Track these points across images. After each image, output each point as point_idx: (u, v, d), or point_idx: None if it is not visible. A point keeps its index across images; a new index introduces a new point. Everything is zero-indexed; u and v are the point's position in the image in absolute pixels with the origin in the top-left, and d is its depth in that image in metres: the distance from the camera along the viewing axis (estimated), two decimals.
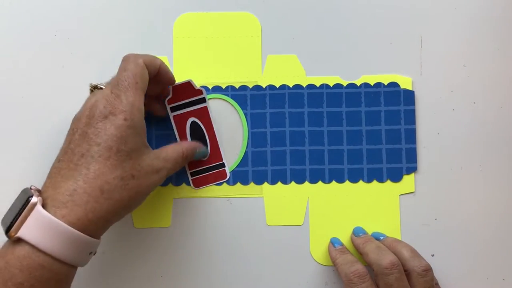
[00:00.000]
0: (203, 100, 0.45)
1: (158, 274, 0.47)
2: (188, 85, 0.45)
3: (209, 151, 0.46)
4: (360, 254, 0.45)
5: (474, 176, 0.48)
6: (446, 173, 0.48)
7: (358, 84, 0.48)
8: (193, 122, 0.45)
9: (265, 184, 0.47)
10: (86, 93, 0.48)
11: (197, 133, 0.45)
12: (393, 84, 0.48)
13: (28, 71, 0.48)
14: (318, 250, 0.47)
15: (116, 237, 0.47)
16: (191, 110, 0.45)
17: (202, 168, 0.46)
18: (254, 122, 0.48)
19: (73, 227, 0.34)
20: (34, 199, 0.34)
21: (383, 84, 0.48)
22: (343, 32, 0.48)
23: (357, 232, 0.46)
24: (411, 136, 0.47)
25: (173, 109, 0.45)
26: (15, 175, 0.47)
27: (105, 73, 0.48)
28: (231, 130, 0.48)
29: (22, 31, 0.48)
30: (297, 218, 0.47)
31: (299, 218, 0.47)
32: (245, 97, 0.48)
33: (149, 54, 0.41)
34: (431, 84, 0.48)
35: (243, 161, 0.47)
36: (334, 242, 0.46)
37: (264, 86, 0.48)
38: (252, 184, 0.47)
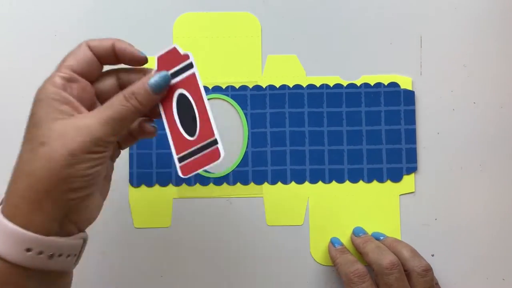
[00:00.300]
0: (190, 65, 0.36)
1: (158, 274, 0.47)
2: (174, 51, 0.37)
3: (169, 75, 0.36)
4: (360, 254, 0.45)
5: (474, 176, 0.48)
6: (446, 173, 0.48)
7: (358, 84, 0.48)
8: (181, 95, 0.36)
9: (265, 184, 0.47)
10: None
11: (185, 108, 0.37)
12: (393, 84, 0.48)
13: (28, 71, 0.48)
14: (318, 250, 0.47)
15: (116, 237, 0.47)
16: (179, 81, 0.36)
17: (192, 150, 0.36)
18: (254, 122, 0.48)
19: (2, 215, 0.31)
20: None
21: (383, 84, 0.48)
22: (343, 32, 0.48)
23: (357, 232, 0.46)
24: (411, 136, 0.47)
25: None
26: None
27: None
28: (231, 130, 0.48)
29: (22, 31, 0.48)
30: (297, 218, 0.47)
31: (299, 218, 0.47)
32: (245, 97, 0.48)
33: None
34: (431, 84, 0.48)
35: (243, 161, 0.47)
36: (334, 242, 0.46)
37: (264, 86, 0.48)
38: (252, 184, 0.47)
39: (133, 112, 0.34)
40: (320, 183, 0.47)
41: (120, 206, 0.47)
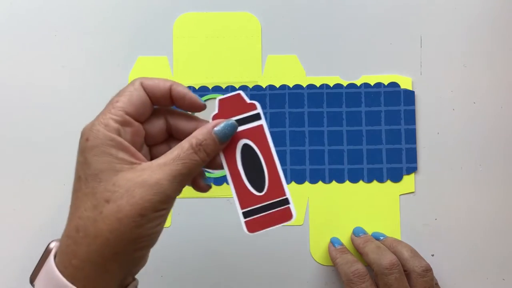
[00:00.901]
0: (258, 116, 0.34)
1: (158, 274, 0.47)
2: (238, 97, 0.34)
3: (235, 125, 0.34)
4: (360, 254, 0.45)
5: (474, 176, 0.48)
6: (446, 173, 0.48)
7: (358, 84, 0.48)
8: (245, 145, 0.34)
9: None
10: (86, 93, 0.48)
11: (250, 160, 0.34)
12: (393, 84, 0.48)
13: (28, 71, 0.48)
14: (318, 250, 0.47)
15: None
16: (243, 130, 0.34)
17: (259, 206, 0.34)
18: None
19: (64, 277, 0.29)
20: (52, 244, 0.31)
21: (383, 84, 0.48)
22: (343, 32, 0.48)
23: (357, 232, 0.46)
24: (411, 136, 0.47)
25: None
26: (14, 174, 0.47)
27: (105, 73, 0.48)
28: None
29: (22, 31, 0.48)
30: (297, 218, 0.47)
31: (299, 218, 0.47)
32: None
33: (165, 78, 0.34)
34: (431, 84, 0.48)
35: None
36: (334, 242, 0.46)
37: (264, 86, 0.48)
38: None
39: (201, 165, 0.32)
40: (320, 183, 0.47)
41: None
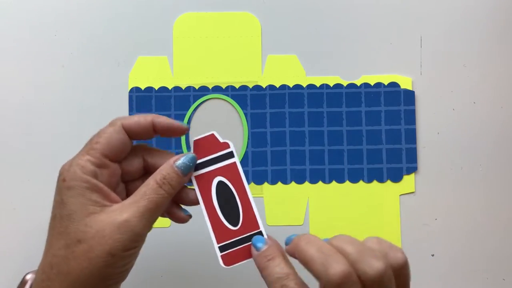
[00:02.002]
0: (231, 155, 0.37)
1: (158, 274, 0.47)
2: (211, 138, 0.37)
3: (194, 158, 0.36)
4: (301, 262, 0.31)
5: (474, 176, 0.48)
6: (446, 173, 0.48)
7: (358, 84, 0.48)
8: (220, 182, 0.37)
9: (265, 184, 0.47)
10: (86, 93, 0.48)
11: (225, 196, 0.36)
12: (393, 84, 0.48)
13: (28, 71, 0.48)
14: None
15: None
16: (217, 168, 0.36)
17: (234, 240, 0.36)
18: (254, 122, 0.47)
19: None
20: (28, 276, 0.33)
21: (383, 84, 0.48)
22: (343, 32, 0.48)
23: (288, 240, 0.33)
24: (411, 136, 0.47)
25: (196, 168, 0.37)
26: (14, 174, 0.47)
27: (105, 73, 0.48)
28: (231, 130, 0.48)
29: (22, 31, 0.48)
30: (297, 218, 0.47)
31: (299, 218, 0.47)
32: (245, 97, 0.48)
33: (142, 114, 0.35)
34: (431, 84, 0.48)
35: (243, 161, 0.47)
36: (256, 242, 0.34)
37: (264, 86, 0.48)
38: (252, 184, 0.47)
39: (167, 199, 0.33)
40: (320, 183, 0.47)
41: None
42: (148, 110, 0.47)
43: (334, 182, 0.47)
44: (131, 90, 0.47)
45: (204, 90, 0.48)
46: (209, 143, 0.37)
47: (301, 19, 0.48)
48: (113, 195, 0.33)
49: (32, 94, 0.48)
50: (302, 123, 0.48)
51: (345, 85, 0.48)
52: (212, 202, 0.36)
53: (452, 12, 0.49)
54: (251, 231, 0.35)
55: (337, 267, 0.28)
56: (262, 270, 0.32)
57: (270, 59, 0.48)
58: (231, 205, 0.36)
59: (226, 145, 0.37)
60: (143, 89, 0.47)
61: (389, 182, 0.47)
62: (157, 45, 0.48)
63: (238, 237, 0.36)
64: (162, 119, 0.34)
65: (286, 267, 0.31)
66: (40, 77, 0.48)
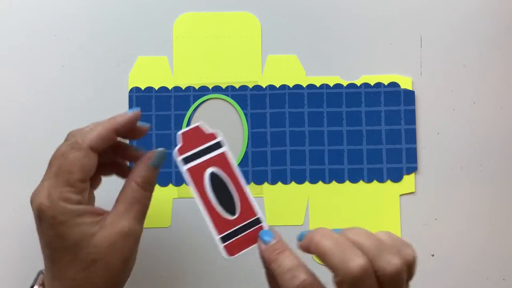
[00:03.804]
0: (219, 145, 0.36)
1: (158, 274, 0.47)
2: (197, 130, 0.36)
3: (165, 152, 0.37)
4: (318, 256, 0.32)
5: (474, 176, 0.48)
6: (446, 173, 0.48)
7: (358, 84, 0.48)
8: (212, 174, 0.36)
9: (265, 184, 0.47)
10: (86, 93, 0.48)
11: (219, 186, 0.36)
12: (393, 84, 0.48)
13: (28, 71, 0.48)
14: None
15: None
16: (207, 159, 0.36)
17: (234, 229, 0.36)
18: (254, 122, 0.47)
19: None
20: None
21: (383, 84, 0.48)
22: (343, 32, 0.48)
23: (301, 236, 0.34)
24: (411, 136, 0.47)
25: (186, 161, 0.36)
26: (14, 174, 0.47)
27: (105, 73, 0.48)
28: (231, 130, 0.48)
29: (22, 31, 0.48)
30: (297, 218, 0.47)
31: (299, 218, 0.47)
32: (245, 97, 0.48)
33: (101, 122, 0.36)
34: (431, 84, 0.48)
35: (243, 161, 0.47)
36: (263, 235, 0.35)
37: (264, 86, 0.48)
38: (252, 184, 0.47)
39: (151, 196, 0.36)
40: (320, 183, 0.47)
41: None
42: (148, 110, 0.47)
43: (334, 182, 0.47)
44: (131, 90, 0.47)
45: (204, 90, 0.48)
46: (195, 135, 0.36)
47: (301, 19, 0.48)
48: (99, 209, 0.35)
49: (32, 94, 0.48)
50: (302, 123, 0.48)
51: (345, 85, 0.48)
52: (207, 194, 0.36)
53: (452, 12, 0.49)
54: (250, 219, 0.36)
55: (357, 261, 0.29)
56: (271, 262, 0.33)
57: (270, 59, 0.48)
58: (226, 195, 0.36)
59: (213, 136, 0.36)
60: (143, 89, 0.47)
61: (389, 182, 0.47)
62: (157, 45, 0.48)
63: (238, 225, 0.36)
64: (120, 121, 0.35)
65: (296, 259, 0.32)
66: (40, 77, 0.48)
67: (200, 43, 0.48)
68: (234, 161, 0.36)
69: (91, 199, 0.38)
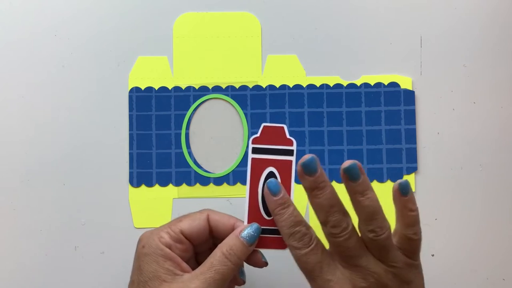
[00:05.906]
0: (291, 152, 0.38)
1: None
2: (280, 130, 0.38)
3: (260, 228, 0.37)
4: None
5: (474, 176, 0.48)
6: (446, 173, 0.48)
7: (358, 84, 0.48)
8: (271, 173, 0.38)
9: None
10: (86, 93, 0.48)
11: None
12: (393, 84, 0.48)
13: (28, 71, 0.48)
14: None
15: (116, 237, 0.47)
16: (274, 159, 0.38)
17: (262, 228, 0.37)
18: (254, 122, 0.48)
19: None
20: None
21: (383, 84, 0.48)
22: (343, 32, 0.48)
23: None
24: (411, 136, 0.47)
25: (255, 151, 0.38)
26: (14, 174, 0.47)
27: (105, 73, 0.48)
28: (231, 130, 0.48)
29: (22, 31, 0.48)
30: None
31: None
32: (245, 97, 0.48)
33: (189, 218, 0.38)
34: (431, 84, 0.48)
35: (243, 161, 0.47)
36: (271, 187, 0.36)
37: (264, 86, 0.48)
38: None
39: (234, 270, 0.35)
40: None
41: (120, 206, 0.47)
42: (148, 110, 0.47)
43: (334, 182, 0.47)
44: (131, 90, 0.47)
45: (204, 90, 0.48)
46: (276, 134, 0.38)
47: (301, 19, 0.48)
48: (185, 265, 0.35)
49: (32, 94, 0.48)
50: (302, 123, 0.48)
51: (345, 85, 0.48)
52: (257, 188, 0.37)
53: (452, 12, 0.49)
54: None
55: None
56: (275, 214, 0.36)
57: (270, 59, 0.48)
58: None
59: (290, 142, 0.38)
60: (143, 89, 0.47)
61: (389, 182, 0.47)
62: (157, 45, 0.48)
63: (267, 226, 0.37)
64: (214, 215, 0.38)
65: (297, 213, 0.36)
66: (40, 77, 0.48)
67: (200, 43, 0.48)
68: (294, 173, 0.37)
69: (188, 263, 0.37)
